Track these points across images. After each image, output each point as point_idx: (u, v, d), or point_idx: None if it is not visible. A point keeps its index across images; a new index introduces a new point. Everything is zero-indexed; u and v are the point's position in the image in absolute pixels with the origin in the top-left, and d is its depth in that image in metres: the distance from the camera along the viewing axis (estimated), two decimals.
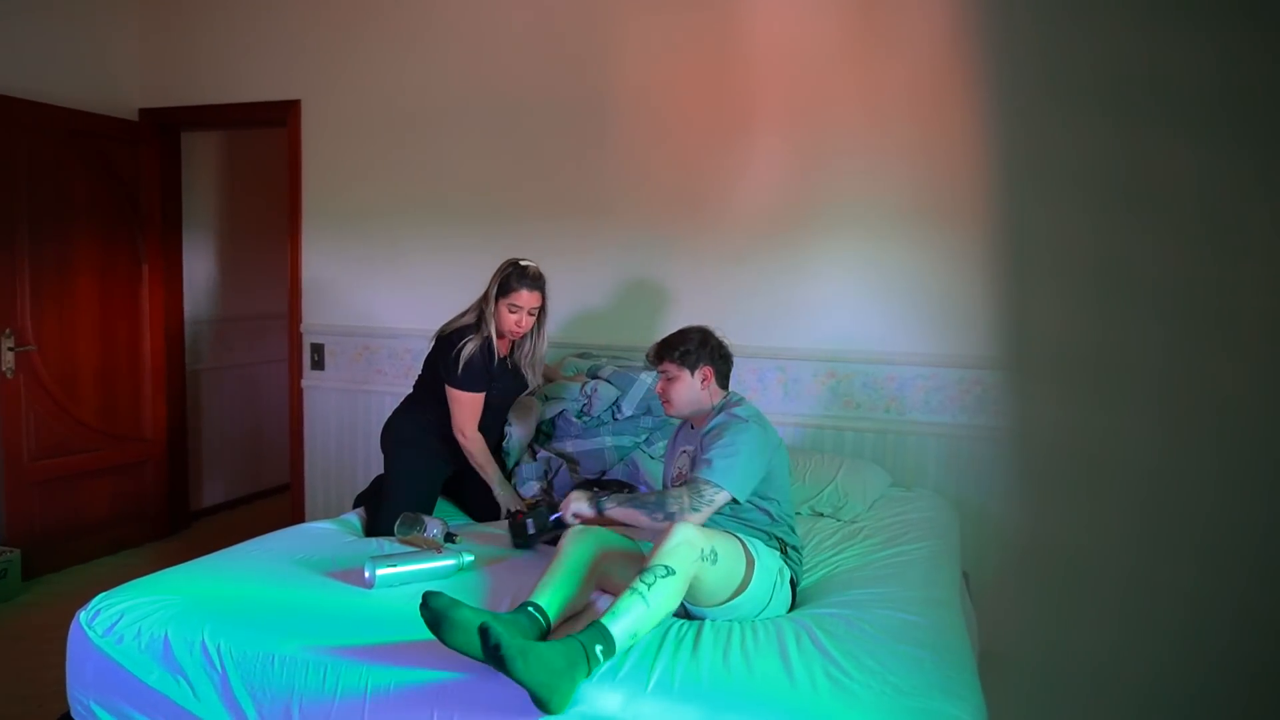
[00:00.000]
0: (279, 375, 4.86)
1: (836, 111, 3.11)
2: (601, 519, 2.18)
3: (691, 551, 1.83)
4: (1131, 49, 0.30)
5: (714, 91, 3.26)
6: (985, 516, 2.99)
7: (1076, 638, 0.35)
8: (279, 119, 3.98)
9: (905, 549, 2.41)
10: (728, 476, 2.04)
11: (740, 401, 2.26)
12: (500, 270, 2.69)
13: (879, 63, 3.05)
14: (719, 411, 2.23)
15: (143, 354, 4.20)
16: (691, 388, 2.24)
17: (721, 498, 2.04)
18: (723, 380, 2.30)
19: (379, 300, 3.87)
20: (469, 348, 2.66)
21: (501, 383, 2.78)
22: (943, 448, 3.10)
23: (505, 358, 2.79)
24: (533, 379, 2.84)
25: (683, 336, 2.28)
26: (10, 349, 3.62)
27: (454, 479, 2.92)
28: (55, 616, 3.12)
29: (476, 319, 2.70)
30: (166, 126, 4.24)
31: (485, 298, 2.69)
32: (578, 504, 2.20)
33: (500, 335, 2.71)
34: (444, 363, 2.69)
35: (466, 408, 2.71)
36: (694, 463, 2.17)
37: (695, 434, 2.27)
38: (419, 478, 2.78)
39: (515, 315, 2.65)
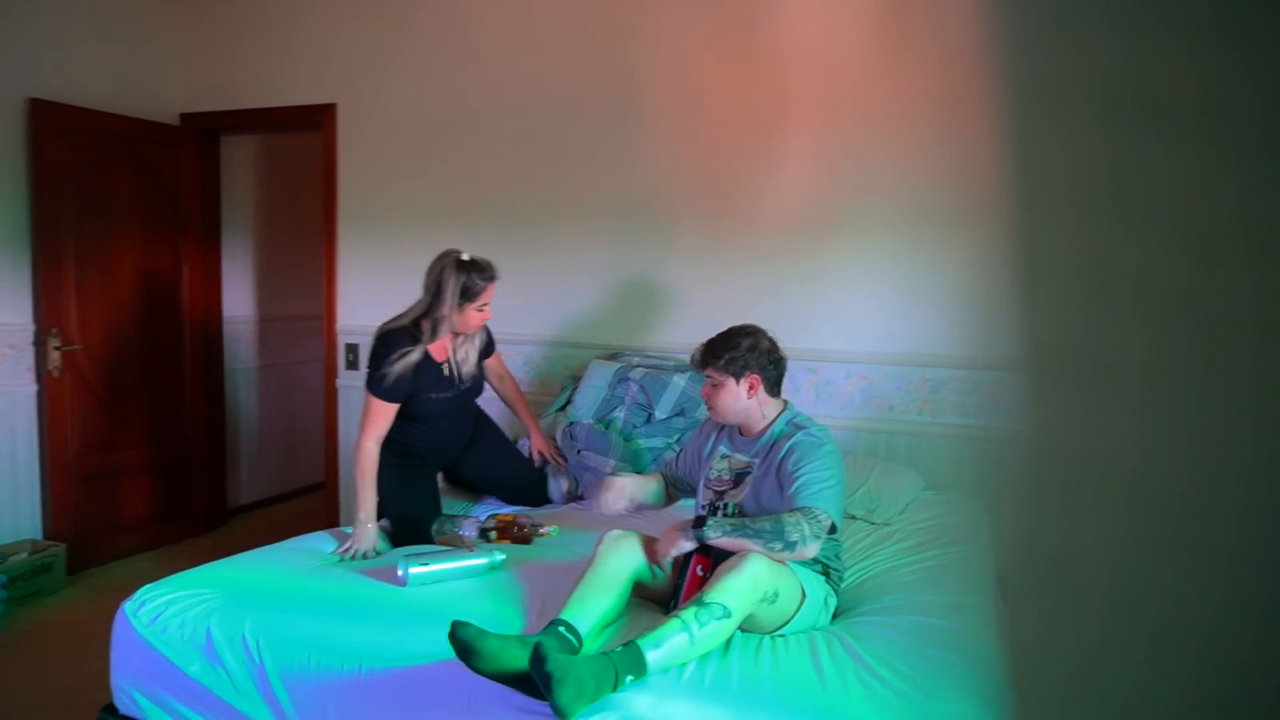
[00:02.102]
0: (314, 375, 4.94)
1: (867, 112, 3.10)
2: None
3: (755, 593, 1.76)
4: (1164, 55, 0.30)
5: (744, 94, 3.26)
6: (1020, 521, 2.95)
7: (1112, 645, 0.35)
8: (315, 122, 4.05)
9: (938, 553, 2.39)
10: (832, 505, 1.92)
11: (809, 420, 2.13)
12: (453, 272, 2.50)
13: (909, 63, 3.03)
14: (786, 426, 2.11)
15: (183, 354, 4.29)
16: (737, 397, 2.10)
17: (828, 527, 1.91)
18: (773, 388, 2.15)
19: (412, 301, 3.90)
20: (405, 361, 2.50)
21: (441, 388, 2.62)
22: (978, 451, 3.07)
23: (443, 363, 2.63)
24: (466, 371, 2.67)
25: (729, 341, 2.12)
26: (57, 348, 3.71)
27: (450, 469, 2.90)
28: (98, 610, 3.20)
29: (415, 324, 2.55)
30: (206, 130, 4.33)
31: (440, 303, 2.51)
32: (679, 545, 1.93)
33: (463, 334, 2.62)
34: (372, 364, 2.54)
35: (373, 413, 2.53)
36: (777, 480, 2.02)
37: (748, 444, 2.16)
38: (406, 490, 2.67)
39: (484, 312, 2.57)
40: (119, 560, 4.01)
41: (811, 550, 1.87)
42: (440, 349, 2.62)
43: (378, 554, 2.45)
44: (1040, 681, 0.39)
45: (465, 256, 2.54)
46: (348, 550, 2.43)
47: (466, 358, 2.68)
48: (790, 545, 1.85)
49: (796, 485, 1.94)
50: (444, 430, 2.72)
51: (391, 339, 2.54)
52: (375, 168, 3.93)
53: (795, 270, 3.23)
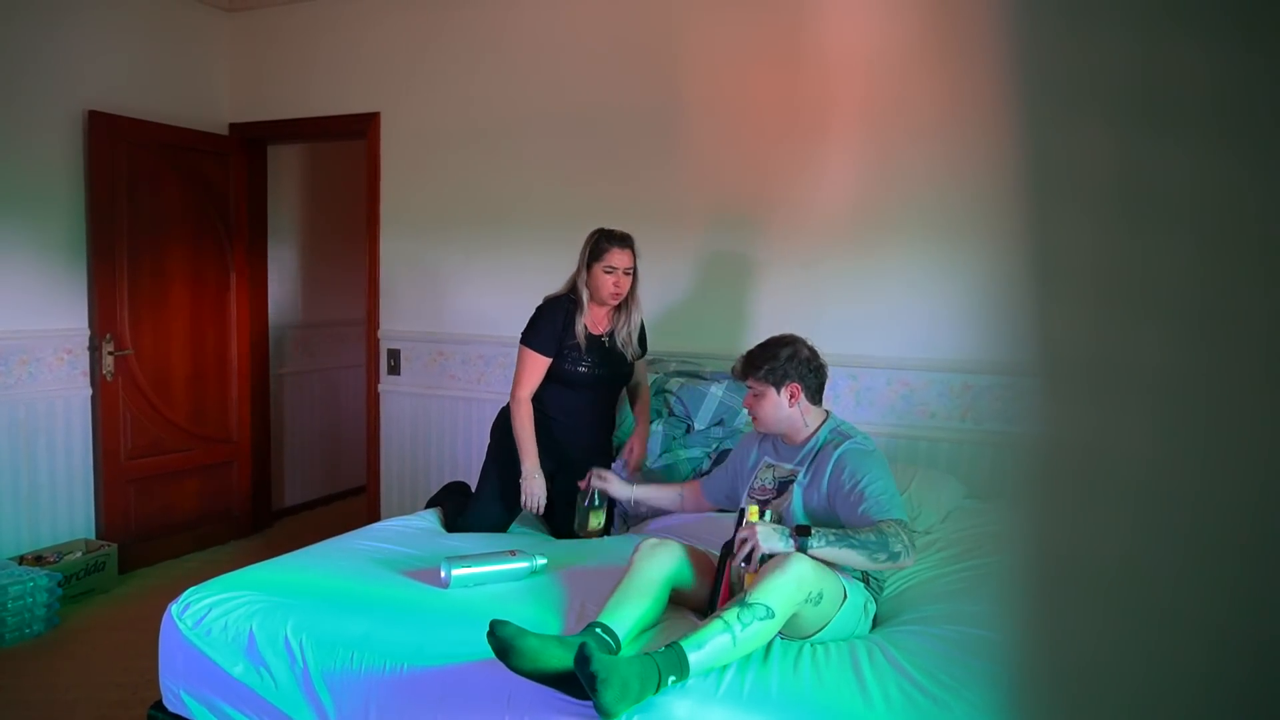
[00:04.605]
0: (357, 380, 5.02)
1: (910, 117, 3.06)
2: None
3: (799, 593, 1.76)
4: (1183, 56, 0.30)
5: (786, 98, 3.25)
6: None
7: (1124, 649, 0.35)
8: (359, 131, 4.11)
9: (981, 562, 2.35)
10: (904, 514, 1.96)
11: (853, 429, 2.15)
12: (588, 239, 2.71)
13: (950, 69, 2.99)
14: (831, 434, 2.11)
15: (230, 359, 4.38)
16: (779, 405, 2.14)
17: None
18: (814, 395, 2.17)
19: (453, 307, 3.95)
20: (548, 307, 2.70)
21: (592, 357, 2.72)
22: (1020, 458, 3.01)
23: (601, 335, 2.75)
24: (630, 353, 2.79)
25: (769, 351, 2.16)
26: (110, 353, 3.82)
27: (548, 481, 2.82)
28: (149, 608, 3.28)
29: (568, 288, 2.73)
30: (254, 140, 4.42)
31: (577, 269, 2.71)
32: (768, 542, 1.87)
33: (600, 304, 2.71)
34: (529, 323, 2.73)
35: (523, 364, 2.70)
36: (828, 489, 2.03)
37: (791, 452, 2.17)
38: (506, 467, 2.77)
39: (612, 276, 2.66)
40: (169, 560, 4.10)
41: (910, 561, 1.91)
42: (595, 322, 2.74)
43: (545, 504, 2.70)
44: (1051, 685, 0.39)
45: (606, 227, 2.73)
46: (524, 504, 2.69)
47: (625, 340, 2.77)
48: (894, 555, 1.87)
49: (869, 500, 1.94)
50: (576, 407, 2.76)
51: (548, 304, 2.74)
52: (417, 175, 3.99)
53: (836, 276, 3.21)
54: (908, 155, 3.08)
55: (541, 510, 2.71)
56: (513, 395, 2.72)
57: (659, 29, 3.46)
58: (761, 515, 2.04)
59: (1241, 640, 0.30)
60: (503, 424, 2.83)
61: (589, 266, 2.68)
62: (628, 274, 2.69)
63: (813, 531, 1.89)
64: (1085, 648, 0.38)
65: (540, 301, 2.79)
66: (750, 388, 2.18)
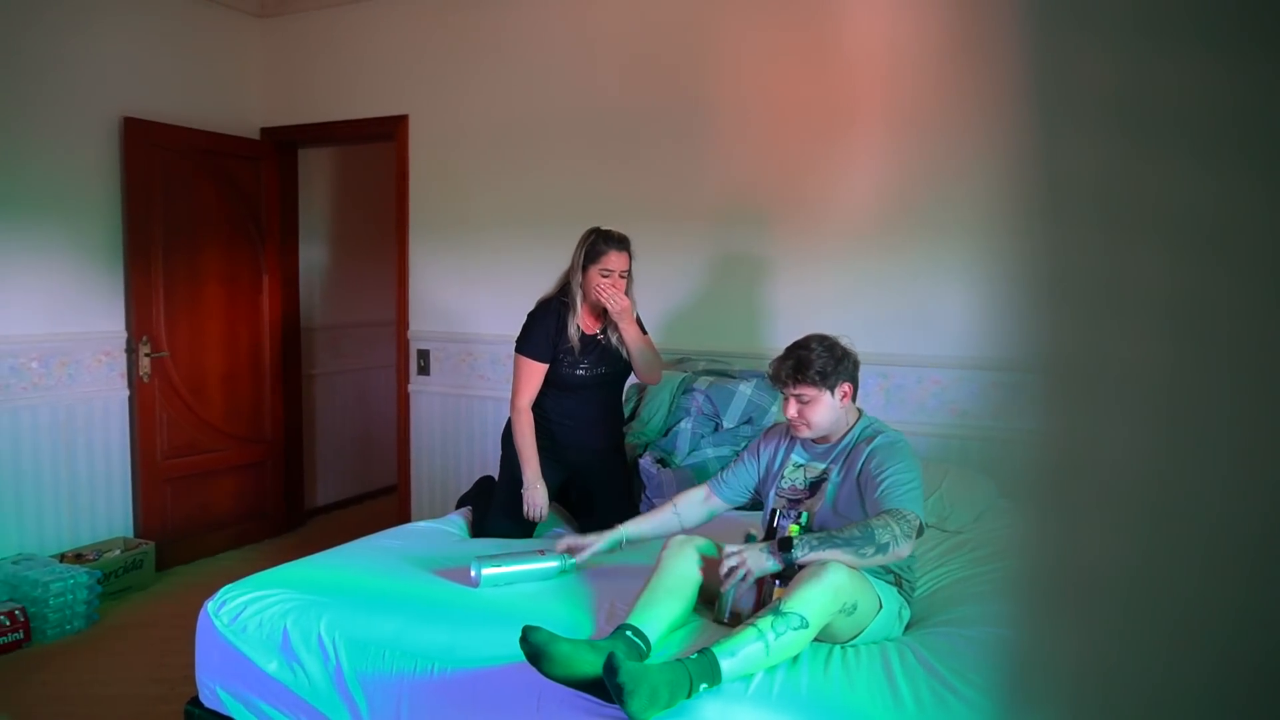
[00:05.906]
0: (387, 380, 5.06)
1: (939, 112, 3.03)
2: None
3: (834, 603, 1.74)
4: (1196, 66, 0.30)
5: (813, 96, 3.23)
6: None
7: (1128, 654, 0.35)
8: (388, 134, 4.15)
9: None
10: (919, 506, 1.89)
11: (885, 425, 2.10)
12: (584, 239, 2.63)
13: (979, 64, 2.96)
14: (865, 431, 2.08)
15: (263, 359, 4.44)
16: (832, 408, 2.05)
17: (918, 528, 1.85)
18: (855, 393, 2.11)
19: (482, 307, 3.97)
20: (539, 311, 2.65)
21: (588, 358, 2.66)
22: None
23: (595, 334, 2.69)
24: (624, 351, 2.70)
25: (811, 355, 2.03)
26: (147, 355, 3.89)
27: (563, 488, 2.85)
28: (186, 606, 3.33)
29: (559, 290, 2.67)
30: (285, 144, 4.48)
31: (571, 269, 2.63)
32: (755, 562, 1.86)
33: (594, 306, 2.64)
34: (522, 330, 2.69)
35: (520, 373, 2.65)
36: (857, 486, 1.99)
37: (824, 452, 2.11)
38: (519, 481, 2.71)
39: (608, 279, 2.57)
40: (205, 558, 4.17)
41: (905, 550, 1.83)
42: (588, 322, 2.69)
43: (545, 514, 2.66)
44: (1053, 690, 0.40)
45: (604, 227, 2.67)
46: (526, 513, 2.66)
47: (619, 340, 2.67)
48: (883, 548, 1.81)
49: (882, 489, 1.91)
50: (578, 411, 2.72)
51: (540, 308, 2.69)
52: (446, 176, 4.01)
53: (864, 273, 3.18)
54: (935, 151, 3.04)
55: (544, 519, 2.68)
56: (512, 405, 2.68)
57: (688, 30, 3.45)
58: (799, 525, 2.02)
59: (1250, 643, 0.30)
60: (510, 435, 2.78)
61: (584, 268, 2.60)
62: (624, 277, 2.60)
63: (795, 543, 1.85)
64: (1092, 648, 0.38)
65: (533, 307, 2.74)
66: (800, 395, 2.04)
